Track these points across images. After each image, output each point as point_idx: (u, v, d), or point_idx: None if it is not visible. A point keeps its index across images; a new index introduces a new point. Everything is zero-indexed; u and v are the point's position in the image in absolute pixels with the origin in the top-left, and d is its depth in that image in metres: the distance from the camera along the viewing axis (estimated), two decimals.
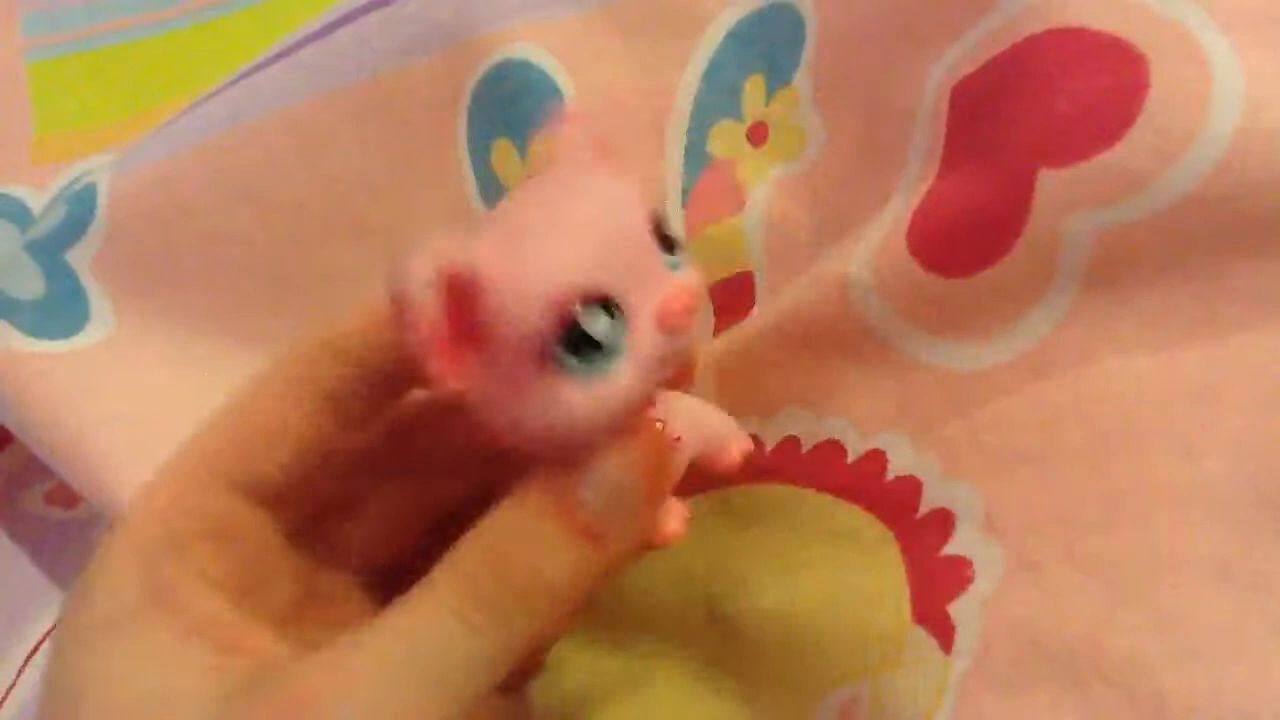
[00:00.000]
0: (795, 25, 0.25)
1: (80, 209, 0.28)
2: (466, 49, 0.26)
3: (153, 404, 0.27)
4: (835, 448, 0.21)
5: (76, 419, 0.27)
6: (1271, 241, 0.17)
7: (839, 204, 0.24)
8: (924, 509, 0.19)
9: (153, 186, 0.27)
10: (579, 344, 0.16)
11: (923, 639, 0.18)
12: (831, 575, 0.20)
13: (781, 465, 0.22)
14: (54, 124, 0.33)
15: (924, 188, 0.21)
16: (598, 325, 0.16)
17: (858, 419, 0.21)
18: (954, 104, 0.20)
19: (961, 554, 0.18)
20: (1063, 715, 0.16)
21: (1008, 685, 0.16)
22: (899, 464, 0.20)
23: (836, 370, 0.21)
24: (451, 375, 0.16)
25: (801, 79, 0.24)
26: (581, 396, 0.16)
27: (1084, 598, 0.16)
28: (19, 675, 0.29)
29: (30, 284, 0.28)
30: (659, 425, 0.17)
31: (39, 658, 0.30)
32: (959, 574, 0.18)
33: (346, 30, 0.27)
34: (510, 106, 0.25)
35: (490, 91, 0.26)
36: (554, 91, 0.25)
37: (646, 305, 0.16)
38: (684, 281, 0.17)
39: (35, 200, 0.31)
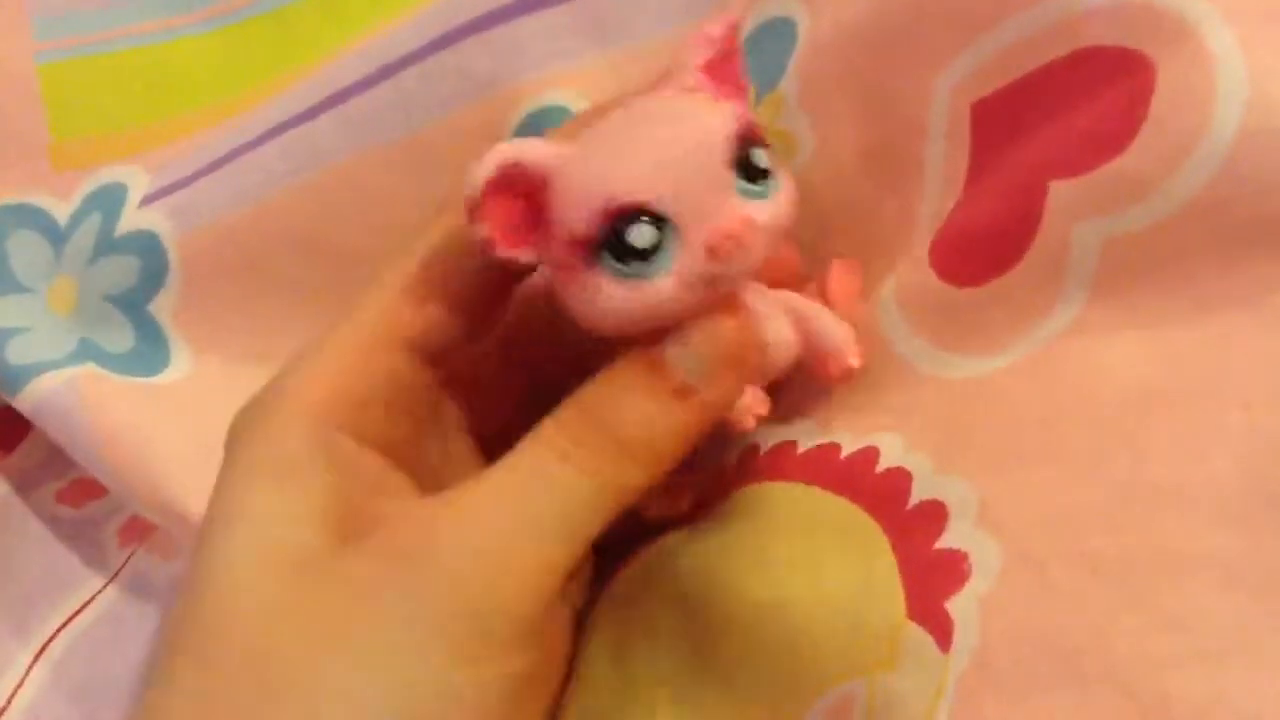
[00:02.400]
0: (789, 36, 0.25)
1: (153, 262, 0.30)
2: (505, 97, 0.27)
3: (222, 434, 0.28)
4: (831, 447, 0.21)
5: (149, 433, 0.28)
6: (1268, 242, 0.17)
7: (845, 210, 0.24)
8: (914, 501, 0.19)
9: (221, 241, 0.29)
10: (621, 250, 0.18)
11: (919, 637, 0.17)
12: (820, 569, 0.19)
13: (775, 465, 0.22)
14: (70, 129, 0.33)
15: (949, 205, 0.21)
16: (639, 236, 0.18)
17: (856, 425, 0.21)
18: (977, 124, 0.21)
19: (956, 548, 0.18)
20: (1066, 716, 0.15)
21: (1009, 685, 0.16)
22: (890, 458, 0.20)
23: (849, 384, 0.22)
24: (502, 248, 0.19)
25: (788, 84, 0.24)
26: (622, 294, 0.18)
27: (1088, 597, 0.16)
28: (28, 672, 0.30)
29: (121, 337, 0.30)
30: (741, 304, 0.19)
31: (48, 655, 0.30)
32: (955, 569, 0.18)
33: (387, 84, 0.28)
34: None
35: (528, 136, 0.27)
36: None
37: (705, 227, 0.18)
38: (741, 212, 0.18)
39: (58, 210, 0.32)
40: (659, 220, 0.18)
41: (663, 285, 0.18)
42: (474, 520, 0.18)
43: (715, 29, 0.20)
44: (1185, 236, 0.17)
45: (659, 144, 0.19)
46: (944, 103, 0.22)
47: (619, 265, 0.18)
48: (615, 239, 0.18)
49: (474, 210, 0.19)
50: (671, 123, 0.19)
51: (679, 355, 0.19)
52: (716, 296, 0.19)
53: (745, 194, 0.19)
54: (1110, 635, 0.16)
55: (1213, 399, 0.17)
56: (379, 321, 0.21)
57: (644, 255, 0.18)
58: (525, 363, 0.24)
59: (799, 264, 0.23)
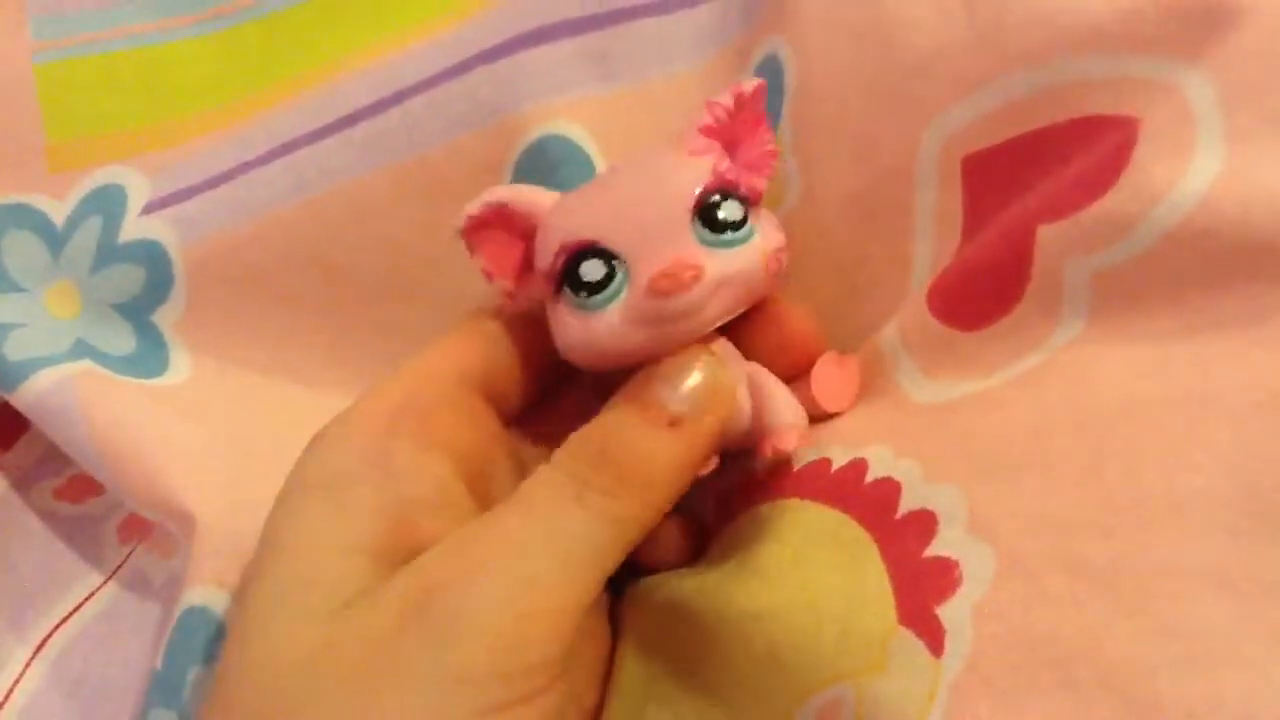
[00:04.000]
0: (779, 77, 0.25)
1: (158, 272, 0.30)
2: (509, 124, 0.28)
3: (223, 434, 0.29)
4: (822, 462, 0.22)
5: (147, 431, 0.28)
6: (1253, 270, 0.18)
7: (830, 253, 0.25)
8: (903, 510, 0.20)
9: (226, 254, 0.30)
10: (576, 283, 0.20)
11: (910, 642, 0.18)
12: (810, 576, 0.20)
13: (772, 487, 0.23)
14: (66, 129, 0.33)
15: (946, 251, 0.22)
16: (589, 270, 0.20)
17: (847, 440, 0.22)
18: (968, 176, 0.22)
19: (947, 555, 0.18)
20: None
21: (1002, 690, 0.16)
22: (878, 469, 0.21)
23: (852, 414, 0.23)
24: (499, 282, 0.22)
25: (782, 130, 0.25)
26: (576, 324, 0.20)
27: (1082, 603, 0.16)
28: (26, 667, 0.30)
29: (121, 341, 0.31)
30: (705, 347, 0.21)
31: (46, 651, 0.30)
32: (946, 575, 0.18)
33: (396, 110, 0.29)
34: (549, 177, 0.27)
35: (532, 164, 0.28)
36: (588, 166, 0.28)
37: (647, 265, 0.20)
38: (682, 255, 0.19)
39: (55, 210, 0.32)
40: (610, 257, 0.20)
41: (610, 317, 0.20)
42: (492, 571, 0.18)
43: (727, 96, 0.21)
44: (1168, 266, 0.18)
45: (619, 190, 0.20)
46: (932, 153, 0.22)
47: (574, 297, 0.20)
48: (571, 272, 0.20)
49: (468, 242, 0.21)
50: (637, 173, 0.21)
51: (664, 391, 0.20)
52: (674, 340, 0.20)
53: (706, 243, 0.20)
54: (1104, 641, 0.16)
55: (1203, 410, 0.17)
56: (443, 358, 0.22)
57: (593, 289, 0.20)
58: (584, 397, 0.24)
59: (817, 338, 0.23)
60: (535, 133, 0.28)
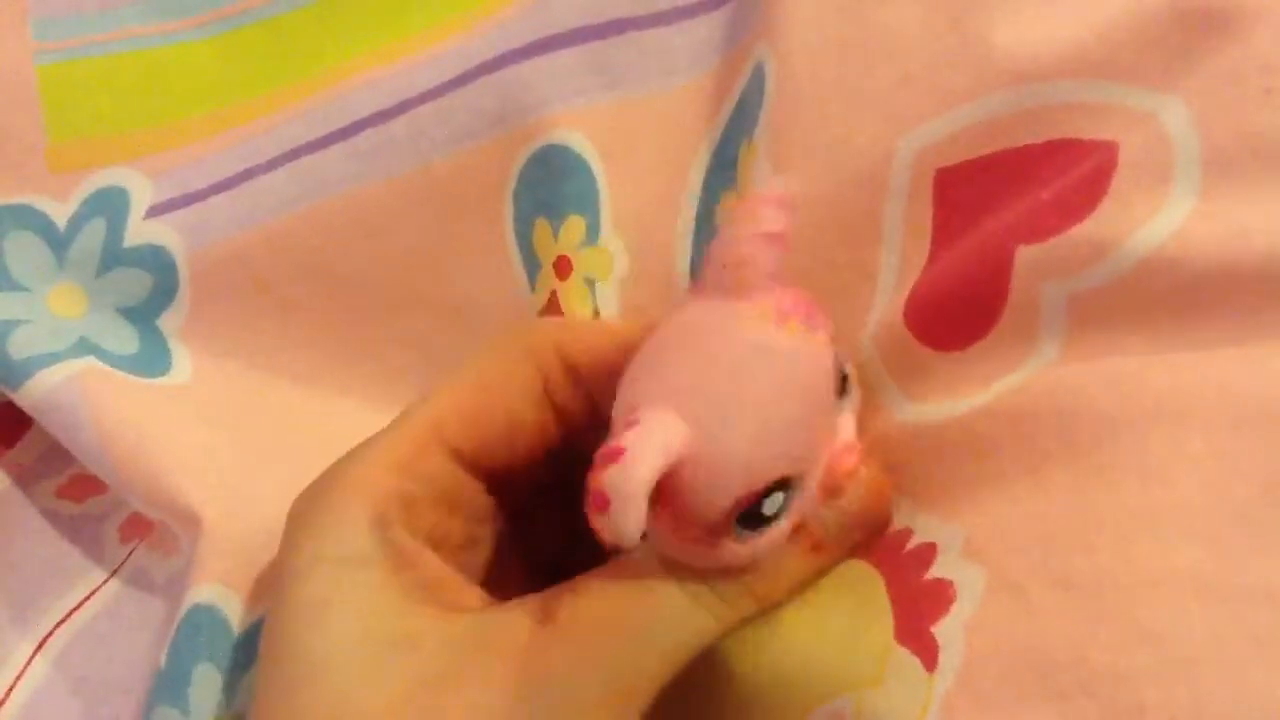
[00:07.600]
0: (760, 82, 0.26)
1: (164, 277, 0.31)
2: (514, 135, 0.28)
3: (227, 434, 0.29)
4: None
5: (150, 429, 0.28)
6: (1225, 297, 0.18)
7: (796, 260, 0.24)
8: (910, 546, 0.20)
9: (230, 262, 0.30)
10: (754, 520, 0.18)
11: (905, 658, 0.18)
12: (814, 600, 0.20)
13: None
14: (67, 130, 0.33)
15: (917, 267, 0.22)
16: (771, 505, 0.18)
17: None
18: (940, 189, 0.22)
19: (943, 576, 0.19)
20: None
21: (992, 701, 0.17)
22: (900, 522, 0.21)
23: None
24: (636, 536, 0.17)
25: (760, 134, 0.25)
26: (744, 551, 0.18)
27: (1066, 615, 0.17)
28: (28, 665, 0.30)
29: (127, 343, 0.31)
30: (874, 467, 0.20)
31: (49, 648, 0.30)
32: (942, 595, 0.19)
33: (402, 119, 0.29)
34: (550, 188, 0.28)
35: (534, 174, 0.28)
36: (589, 176, 0.28)
37: (817, 468, 0.18)
38: (848, 441, 0.19)
39: (56, 211, 0.32)
40: (789, 484, 0.18)
41: (779, 533, 0.19)
42: (603, 651, 0.18)
43: (765, 201, 0.18)
44: (1144, 291, 0.19)
45: (779, 404, 0.17)
46: (906, 164, 0.23)
47: (748, 531, 0.18)
48: (748, 513, 0.18)
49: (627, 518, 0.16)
50: (781, 371, 0.17)
51: (824, 513, 0.20)
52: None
53: (837, 410, 0.19)
54: (1088, 650, 0.17)
55: (1176, 426, 0.18)
56: (428, 427, 0.21)
57: (774, 518, 0.18)
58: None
59: None
60: (538, 142, 0.28)
